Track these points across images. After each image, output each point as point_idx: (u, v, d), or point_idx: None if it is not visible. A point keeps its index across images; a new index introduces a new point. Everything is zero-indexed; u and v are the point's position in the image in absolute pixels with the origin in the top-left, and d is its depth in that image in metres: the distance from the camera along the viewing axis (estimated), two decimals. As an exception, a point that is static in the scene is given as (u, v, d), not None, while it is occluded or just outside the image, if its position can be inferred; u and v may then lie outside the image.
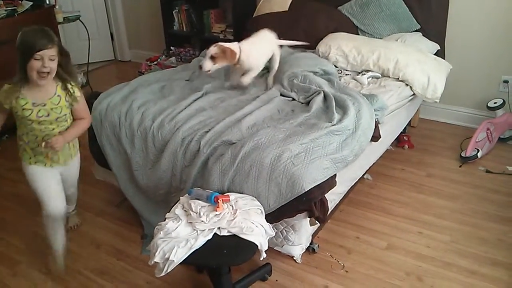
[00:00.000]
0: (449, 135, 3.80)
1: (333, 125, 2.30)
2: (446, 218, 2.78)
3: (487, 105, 3.64)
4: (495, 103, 3.60)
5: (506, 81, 3.66)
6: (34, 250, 2.61)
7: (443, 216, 2.80)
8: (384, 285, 2.31)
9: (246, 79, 2.77)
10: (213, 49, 2.59)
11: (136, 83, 2.94)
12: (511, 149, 3.58)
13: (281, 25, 3.83)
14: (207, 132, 2.33)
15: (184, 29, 5.01)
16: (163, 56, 5.03)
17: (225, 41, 4.47)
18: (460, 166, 3.35)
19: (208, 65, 2.58)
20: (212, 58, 2.59)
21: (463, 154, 3.38)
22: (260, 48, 2.85)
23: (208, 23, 4.77)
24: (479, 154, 3.33)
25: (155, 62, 4.92)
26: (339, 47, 3.33)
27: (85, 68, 4.76)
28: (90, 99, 2.77)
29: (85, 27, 4.52)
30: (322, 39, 3.53)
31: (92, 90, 4.40)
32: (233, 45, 2.68)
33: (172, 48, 5.06)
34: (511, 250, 2.52)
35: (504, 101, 3.58)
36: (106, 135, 2.64)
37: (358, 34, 3.65)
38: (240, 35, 4.19)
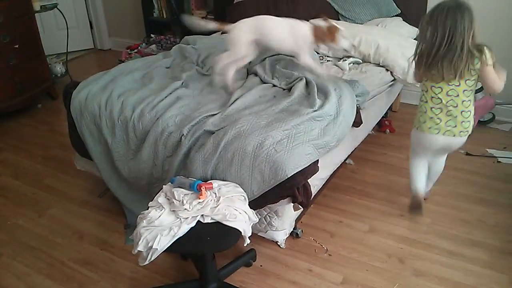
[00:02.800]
0: (429, 119, 3.83)
1: (314, 111, 2.30)
2: (427, 201, 2.82)
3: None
4: (474, 86, 3.64)
5: (485, 65, 3.69)
6: (16, 242, 2.59)
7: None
8: (366, 268, 2.34)
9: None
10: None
11: (116, 71, 2.90)
12: (490, 132, 3.64)
13: (261, 10, 3.80)
14: (189, 122, 2.32)
15: (164, 16, 4.96)
16: (144, 44, 4.98)
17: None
18: (440, 149, 3.38)
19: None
20: None
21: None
22: None
23: (189, 10, 4.72)
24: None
25: (135, 50, 4.87)
26: None
27: (64, 57, 4.68)
28: (69, 88, 2.74)
29: (63, 16, 4.44)
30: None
31: (71, 80, 4.33)
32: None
33: (152, 35, 5.01)
34: (490, 230, 2.57)
35: (483, 85, 3.62)
36: (86, 125, 2.61)
37: (339, 20, 3.65)
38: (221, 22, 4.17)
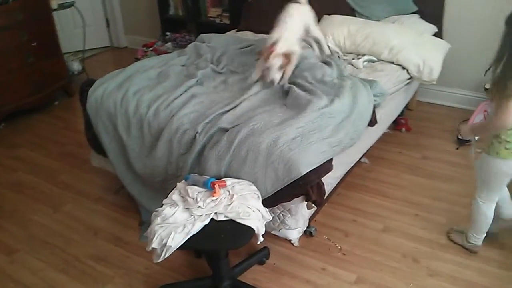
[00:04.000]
0: (446, 118, 3.80)
1: (325, 107, 2.29)
2: (443, 200, 2.79)
3: (484, 87, 3.62)
4: (492, 85, 3.59)
5: (503, 63, 3.64)
6: (32, 238, 2.62)
7: (439, 198, 2.81)
8: (380, 267, 2.32)
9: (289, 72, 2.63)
10: (277, 60, 2.48)
11: (131, 69, 2.92)
12: None
13: (277, 8, 3.79)
14: (203, 119, 2.32)
15: (180, 14, 4.98)
16: (159, 41, 5.00)
17: (222, 25, 4.47)
18: (457, 148, 3.35)
19: (278, 76, 2.51)
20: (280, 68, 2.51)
21: (460, 137, 3.38)
22: (292, 29, 2.69)
23: (204, 7, 4.73)
24: (476, 137, 3.32)
25: (151, 48, 4.89)
26: (333, 36, 3.33)
27: (81, 55, 4.73)
28: (85, 86, 2.76)
29: (80, 14, 4.48)
30: (318, 22, 3.51)
31: (88, 77, 4.38)
32: (285, 41, 2.55)
33: (167, 33, 5.03)
34: (506, 231, 2.53)
35: (501, 83, 3.56)
36: (102, 122, 2.63)
37: (355, 16, 3.62)
38: (236, 20, 4.17)
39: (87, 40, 4.70)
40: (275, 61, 2.47)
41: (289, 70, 2.61)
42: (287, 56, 2.49)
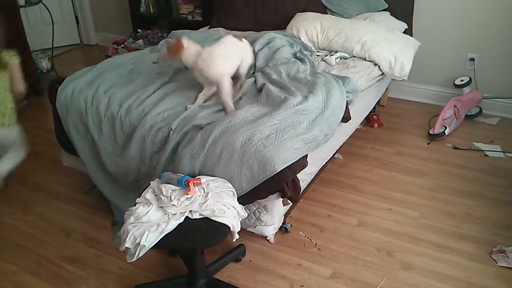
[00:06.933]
0: (417, 113, 3.87)
1: (299, 104, 2.29)
2: (415, 195, 2.84)
3: (454, 83, 3.70)
4: (461, 80, 3.67)
5: (472, 59, 3.72)
6: (3, 241, 2.55)
7: (412, 193, 2.86)
8: (355, 261, 2.35)
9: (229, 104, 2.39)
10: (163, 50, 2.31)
11: (102, 66, 2.87)
12: (477, 126, 3.67)
13: (249, 5, 3.79)
14: (177, 117, 2.30)
15: (151, 11, 4.92)
16: (131, 38, 4.93)
17: (194, 22, 4.44)
18: (428, 143, 3.41)
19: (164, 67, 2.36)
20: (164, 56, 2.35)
21: (431, 132, 3.45)
22: (224, 55, 2.45)
23: (176, 4, 4.69)
24: (446, 131, 3.40)
25: (122, 45, 4.81)
26: (306, 32, 3.34)
27: (50, 53, 4.63)
28: (54, 84, 2.70)
29: (48, 11, 4.38)
30: (291, 18, 3.52)
31: (57, 75, 4.28)
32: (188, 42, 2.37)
33: (139, 30, 4.96)
34: (477, 223, 2.59)
35: (470, 79, 3.65)
36: (72, 121, 2.58)
37: (327, 14, 3.64)
38: (209, 16, 4.15)
39: (56, 37, 4.60)
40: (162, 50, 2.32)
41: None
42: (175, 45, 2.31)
